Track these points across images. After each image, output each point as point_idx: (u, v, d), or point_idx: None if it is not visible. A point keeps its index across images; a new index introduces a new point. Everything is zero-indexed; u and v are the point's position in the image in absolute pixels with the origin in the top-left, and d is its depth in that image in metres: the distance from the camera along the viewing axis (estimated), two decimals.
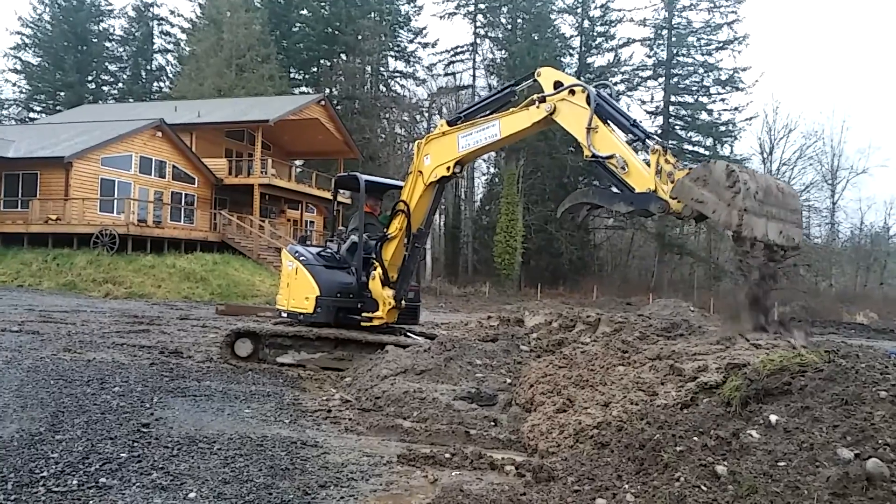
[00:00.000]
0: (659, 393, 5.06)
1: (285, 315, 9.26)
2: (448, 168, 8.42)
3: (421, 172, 8.62)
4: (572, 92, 7.19)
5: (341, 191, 10.67)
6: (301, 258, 9.10)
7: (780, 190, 6.38)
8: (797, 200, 6.70)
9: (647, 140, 6.88)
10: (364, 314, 9.04)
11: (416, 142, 9.09)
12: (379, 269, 8.88)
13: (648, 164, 6.54)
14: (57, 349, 9.25)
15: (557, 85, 7.40)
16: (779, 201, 6.19)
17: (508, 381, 7.38)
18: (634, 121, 7.08)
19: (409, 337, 9.33)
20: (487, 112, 8.33)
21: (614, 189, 6.92)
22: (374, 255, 9.04)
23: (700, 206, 5.99)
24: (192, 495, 3.96)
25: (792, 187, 6.55)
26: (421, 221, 8.91)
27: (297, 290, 9.07)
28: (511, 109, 7.97)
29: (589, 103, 6.98)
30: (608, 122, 6.98)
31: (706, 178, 5.96)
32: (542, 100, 7.40)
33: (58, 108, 55.06)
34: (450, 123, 8.51)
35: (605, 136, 6.91)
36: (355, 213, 9.83)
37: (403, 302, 9.00)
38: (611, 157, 6.76)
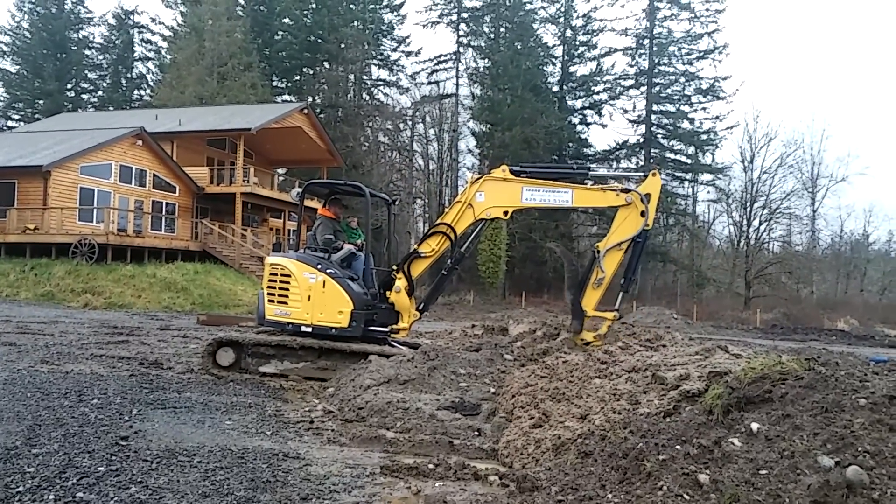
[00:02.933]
0: (642, 402, 5.07)
1: (308, 329, 8.95)
2: (506, 213, 9.14)
3: (472, 206, 9.13)
4: (643, 214, 8.55)
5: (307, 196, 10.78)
6: (328, 271, 8.99)
7: None
8: None
9: (622, 293, 8.97)
10: (391, 326, 9.31)
11: (471, 175, 9.68)
12: (405, 282, 9.26)
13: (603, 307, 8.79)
14: (34, 361, 9.10)
15: (647, 193, 8.65)
16: None
17: (492, 390, 7.36)
18: (634, 277, 9.10)
19: (392, 346, 9.29)
20: (552, 176, 9.23)
21: (573, 277, 9.09)
22: (376, 267, 9.76)
23: None
24: None
25: None
26: (464, 247, 9.51)
27: (327, 303, 8.90)
28: (587, 186, 9.16)
29: (639, 236, 8.61)
30: (626, 253, 8.73)
31: None
32: (625, 190, 8.64)
33: (36, 116, 54.35)
34: (512, 172, 9.08)
35: (617, 260, 8.72)
36: (323, 220, 9.72)
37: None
38: (602, 271, 8.60)
